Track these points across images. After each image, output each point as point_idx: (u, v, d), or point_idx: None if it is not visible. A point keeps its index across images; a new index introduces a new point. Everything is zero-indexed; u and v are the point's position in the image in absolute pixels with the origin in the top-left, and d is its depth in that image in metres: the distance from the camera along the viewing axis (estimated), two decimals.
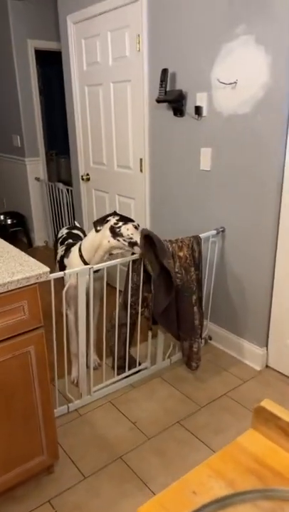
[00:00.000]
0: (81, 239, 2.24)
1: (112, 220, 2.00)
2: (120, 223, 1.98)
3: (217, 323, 2.61)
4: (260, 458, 0.64)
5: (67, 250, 2.19)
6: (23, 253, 1.54)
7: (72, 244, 2.21)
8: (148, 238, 1.96)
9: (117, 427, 1.99)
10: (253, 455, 0.65)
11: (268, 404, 0.67)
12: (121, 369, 2.27)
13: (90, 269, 1.91)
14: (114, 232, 1.98)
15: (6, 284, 1.31)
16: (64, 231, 2.52)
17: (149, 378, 2.33)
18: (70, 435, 1.95)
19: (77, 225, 2.74)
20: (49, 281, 1.74)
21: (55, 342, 1.92)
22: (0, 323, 1.35)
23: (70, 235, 2.44)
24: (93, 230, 2.03)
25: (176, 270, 2.07)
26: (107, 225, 2.00)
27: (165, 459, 1.81)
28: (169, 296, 2.04)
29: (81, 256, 2.06)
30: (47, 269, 1.40)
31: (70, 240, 2.33)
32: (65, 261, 2.15)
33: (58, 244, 2.42)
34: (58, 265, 2.27)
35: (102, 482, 1.71)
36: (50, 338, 1.97)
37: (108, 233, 1.99)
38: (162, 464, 1.78)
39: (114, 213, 2.06)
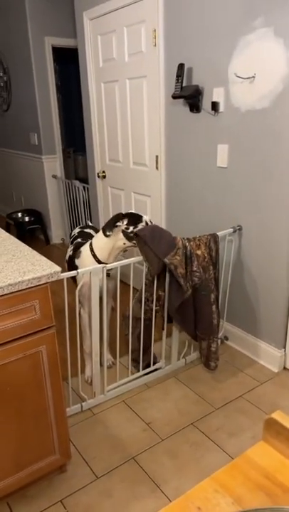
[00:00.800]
0: (91, 237, 2.22)
1: (122, 226, 1.99)
2: (130, 227, 1.99)
3: (233, 323, 2.56)
4: (270, 473, 0.61)
5: (76, 250, 2.17)
6: (35, 252, 1.53)
7: (81, 244, 2.19)
8: (139, 237, 1.95)
9: (130, 427, 1.98)
10: (263, 470, 0.61)
11: (279, 416, 0.63)
12: (135, 361, 2.26)
13: (103, 267, 1.89)
14: (128, 236, 2.01)
15: (17, 284, 1.30)
16: (76, 230, 2.51)
17: (164, 378, 2.31)
18: (83, 434, 1.94)
19: (90, 223, 2.73)
20: (63, 279, 1.73)
21: (68, 340, 1.91)
22: (11, 323, 1.35)
23: (80, 234, 2.43)
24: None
25: (195, 269, 2.03)
26: (118, 230, 2.01)
27: (178, 461, 1.78)
28: (182, 294, 2.00)
29: (94, 255, 2.05)
30: (58, 268, 1.39)
31: (79, 240, 2.31)
32: (76, 261, 2.13)
33: (70, 243, 2.42)
34: (66, 265, 2.25)
35: (115, 483, 1.70)
36: (63, 336, 1.97)
37: (121, 236, 2.01)
38: (175, 466, 1.76)
39: (123, 216, 2.03)
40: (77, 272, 1.81)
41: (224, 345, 2.58)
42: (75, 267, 2.09)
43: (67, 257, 2.25)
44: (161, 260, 1.95)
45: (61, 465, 1.71)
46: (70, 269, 2.12)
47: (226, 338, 2.60)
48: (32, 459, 1.56)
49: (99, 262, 2.04)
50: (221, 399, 2.13)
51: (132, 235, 1.99)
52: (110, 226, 2.00)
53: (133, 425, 1.99)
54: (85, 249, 2.11)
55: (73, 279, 2.05)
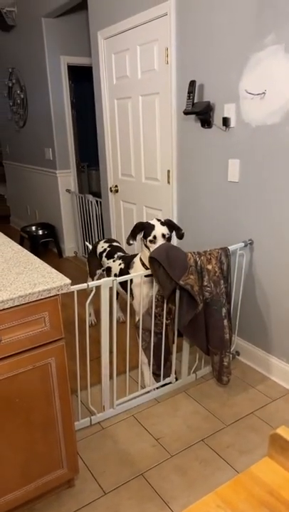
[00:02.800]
0: (123, 250, 2.53)
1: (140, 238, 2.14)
2: (146, 241, 2.11)
3: (245, 338, 2.53)
4: (274, 490, 0.60)
5: (125, 261, 2.36)
6: (46, 265, 1.55)
7: (127, 256, 2.42)
8: (154, 260, 2.00)
9: (139, 443, 1.96)
10: (267, 486, 0.60)
11: (284, 431, 0.62)
12: (154, 375, 2.28)
13: (113, 280, 1.90)
14: (148, 247, 2.12)
15: (27, 296, 1.32)
16: (105, 245, 2.63)
17: (174, 393, 2.28)
18: (92, 449, 1.93)
19: (114, 238, 2.87)
20: (85, 291, 1.76)
21: (78, 353, 1.92)
22: (21, 334, 1.36)
23: (113, 247, 2.58)
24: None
25: (205, 284, 2.03)
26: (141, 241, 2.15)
27: (187, 478, 1.75)
28: (192, 310, 2.00)
29: (143, 264, 2.19)
30: (68, 281, 1.41)
31: (120, 253, 2.50)
32: (131, 271, 2.28)
33: (104, 258, 2.54)
34: (117, 275, 2.37)
35: (122, 499, 1.67)
36: (74, 349, 1.97)
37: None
38: (184, 484, 1.73)
39: (138, 227, 2.12)
40: (88, 285, 1.82)
41: (235, 361, 2.55)
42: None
43: (117, 271, 2.37)
44: (173, 282, 1.98)
45: (69, 479, 1.70)
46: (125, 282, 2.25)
47: (238, 354, 2.57)
48: (40, 472, 1.56)
49: (147, 269, 2.15)
50: (232, 415, 2.10)
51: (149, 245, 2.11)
52: (132, 237, 2.14)
53: (142, 440, 1.97)
54: (136, 261, 2.26)
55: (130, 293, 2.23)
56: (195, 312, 2.01)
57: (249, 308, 2.45)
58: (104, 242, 2.68)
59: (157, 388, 2.26)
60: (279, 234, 2.16)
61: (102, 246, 2.63)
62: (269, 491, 0.60)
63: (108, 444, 1.95)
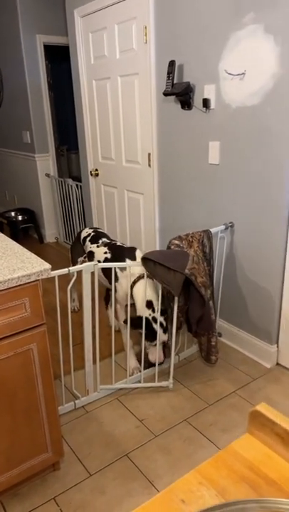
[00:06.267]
0: (108, 237, 2.46)
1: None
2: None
3: (226, 319, 2.57)
4: (254, 465, 0.61)
5: (123, 256, 2.22)
6: (25, 250, 1.53)
7: (117, 246, 2.31)
8: (147, 260, 1.90)
9: (123, 424, 1.98)
10: (247, 462, 0.62)
11: (263, 408, 0.63)
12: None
13: (94, 265, 1.89)
14: None
15: (6, 281, 1.30)
16: (89, 230, 2.57)
17: (158, 375, 2.31)
18: (77, 432, 1.94)
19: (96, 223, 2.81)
20: (68, 277, 1.73)
21: (60, 338, 1.91)
22: (1, 321, 1.34)
23: (98, 233, 2.52)
24: None
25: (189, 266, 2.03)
26: None
27: (171, 457, 1.79)
28: (202, 305, 2.00)
29: None
30: (48, 266, 1.39)
31: (105, 239, 2.42)
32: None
33: (88, 242, 2.46)
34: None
35: (108, 480, 1.70)
36: (57, 333, 1.96)
37: None
38: (168, 463, 1.76)
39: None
40: (69, 270, 1.81)
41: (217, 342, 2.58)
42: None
43: (101, 258, 2.29)
44: (178, 273, 1.86)
45: (54, 463, 1.71)
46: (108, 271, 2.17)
47: (220, 335, 2.61)
48: (24, 456, 1.56)
49: None
50: (215, 395, 2.14)
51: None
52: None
53: (126, 422, 1.99)
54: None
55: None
56: (205, 306, 1.99)
57: (230, 290, 2.47)
58: (90, 228, 2.62)
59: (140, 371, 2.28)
60: (258, 216, 2.17)
61: (87, 232, 2.57)
62: (249, 466, 0.61)
63: (93, 427, 1.97)
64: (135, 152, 2.90)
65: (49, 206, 4.51)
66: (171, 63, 2.31)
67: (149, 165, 2.80)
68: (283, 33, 1.82)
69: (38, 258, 1.45)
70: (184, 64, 2.34)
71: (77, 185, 3.85)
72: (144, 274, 2.05)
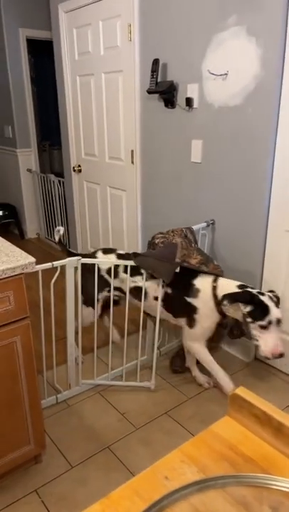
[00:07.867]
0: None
1: (243, 310, 1.82)
2: (255, 324, 1.81)
3: None
4: (233, 444, 0.65)
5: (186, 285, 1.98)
6: (9, 243, 1.53)
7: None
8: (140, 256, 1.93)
9: (105, 418, 2.00)
10: (226, 442, 0.65)
11: (242, 391, 0.67)
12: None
13: (78, 260, 1.91)
14: (245, 321, 1.84)
15: None
16: (111, 257, 2.12)
17: (139, 369, 2.34)
18: (59, 425, 1.96)
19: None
20: (50, 273, 1.74)
21: (43, 333, 1.92)
22: None
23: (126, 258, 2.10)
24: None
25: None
26: (237, 307, 1.84)
27: (152, 448, 1.83)
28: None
29: (216, 297, 1.91)
30: (32, 259, 1.40)
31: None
32: (192, 300, 1.97)
33: (122, 274, 2.05)
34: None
35: (89, 471, 1.72)
36: (40, 328, 1.97)
37: (240, 313, 1.85)
38: (149, 454, 1.80)
39: (248, 300, 1.80)
40: (52, 264, 1.82)
41: None
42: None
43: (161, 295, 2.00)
44: (168, 263, 1.86)
45: (36, 455, 1.72)
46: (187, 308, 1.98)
47: None
48: (6, 449, 1.57)
49: (219, 304, 1.90)
50: (194, 389, 2.19)
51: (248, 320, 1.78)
52: (232, 299, 1.81)
53: (108, 415, 2.02)
54: (205, 288, 1.93)
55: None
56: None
57: None
58: (105, 252, 2.12)
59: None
60: (239, 214, 2.23)
61: (109, 258, 2.06)
62: (228, 445, 0.65)
63: (75, 421, 1.99)
64: (118, 149, 2.92)
65: (31, 202, 4.48)
66: (155, 62, 2.34)
67: (132, 162, 2.83)
68: (265, 35, 1.87)
69: (23, 252, 1.46)
70: (167, 63, 2.37)
71: (59, 181, 3.85)
72: (215, 277, 1.94)
